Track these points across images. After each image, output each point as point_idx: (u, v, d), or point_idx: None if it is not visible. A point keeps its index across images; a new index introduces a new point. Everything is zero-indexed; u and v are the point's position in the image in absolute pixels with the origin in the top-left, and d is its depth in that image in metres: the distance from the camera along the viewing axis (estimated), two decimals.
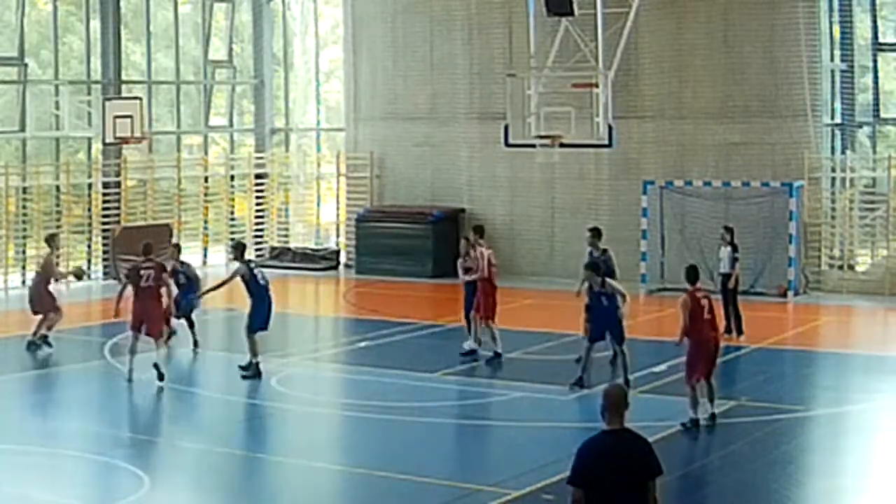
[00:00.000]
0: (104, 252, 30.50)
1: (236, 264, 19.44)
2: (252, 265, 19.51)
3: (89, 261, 30.58)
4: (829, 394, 18.67)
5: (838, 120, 29.15)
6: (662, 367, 19.12)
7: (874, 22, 28.90)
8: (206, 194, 33.47)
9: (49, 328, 20.99)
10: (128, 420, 17.14)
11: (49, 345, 20.89)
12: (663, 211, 28.74)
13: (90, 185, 30.69)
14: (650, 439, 8.52)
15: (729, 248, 22.79)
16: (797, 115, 28.06)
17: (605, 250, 20.49)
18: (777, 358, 21.29)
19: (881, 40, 28.95)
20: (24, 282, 28.89)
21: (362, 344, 22.13)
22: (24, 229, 29.54)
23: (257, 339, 19.03)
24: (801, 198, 27.73)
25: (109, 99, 29.32)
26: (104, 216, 30.61)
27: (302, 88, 36.47)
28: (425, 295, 28.76)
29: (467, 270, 20.61)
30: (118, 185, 30.96)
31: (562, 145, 25.70)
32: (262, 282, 19.11)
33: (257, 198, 34.48)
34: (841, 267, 28.49)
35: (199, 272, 22.95)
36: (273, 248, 34.14)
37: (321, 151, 36.14)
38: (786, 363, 21.16)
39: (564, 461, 8.56)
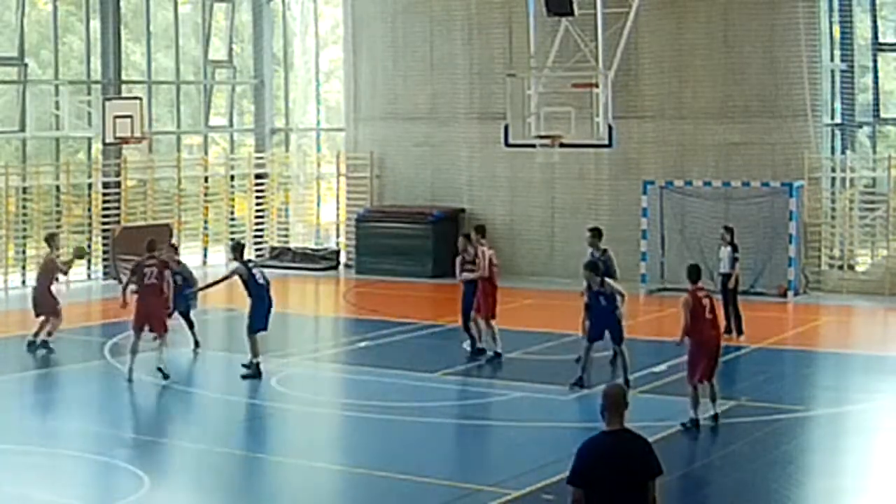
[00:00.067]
0: (104, 252, 30.50)
1: (235, 264, 19.44)
2: (250, 265, 19.49)
3: (89, 261, 30.57)
4: (829, 394, 18.67)
5: (838, 120, 29.15)
6: (662, 367, 19.13)
7: (874, 22, 28.91)
8: (206, 194, 33.48)
9: (49, 334, 20.97)
10: (128, 420, 17.13)
11: (50, 349, 20.85)
12: (663, 211, 28.74)
13: (90, 185, 30.69)
14: (650, 439, 8.52)
15: (729, 248, 22.78)
16: (797, 115, 28.07)
17: (604, 250, 20.48)
18: (777, 358, 21.30)
19: (881, 40, 28.95)
20: (24, 282, 28.93)
21: (362, 344, 22.13)
22: (24, 229, 29.54)
23: (258, 339, 19.02)
24: (801, 198, 27.73)
25: (109, 99, 29.32)
26: (104, 216, 30.61)
27: (302, 88, 36.48)
28: (425, 295, 28.76)
29: (465, 265, 20.56)
30: (118, 185, 30.97)
31: (562, 145, 25.70)
32: (261, 282, 19.09)
33: (257, 198, 34.48)
34: (841, 267, 28.50)
35: (196, 272, 22.96)
36: (273, 248, 34.14)
37: (321, 151, 36.14)
38: (786, 363, 21.17)
39: (564, 461, 8.56)
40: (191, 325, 21.19)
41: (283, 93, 35.84)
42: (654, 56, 29.48)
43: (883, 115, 29.35)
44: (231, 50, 34.97)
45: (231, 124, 35.30)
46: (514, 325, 22.24)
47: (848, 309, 26.52)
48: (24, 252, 29.50)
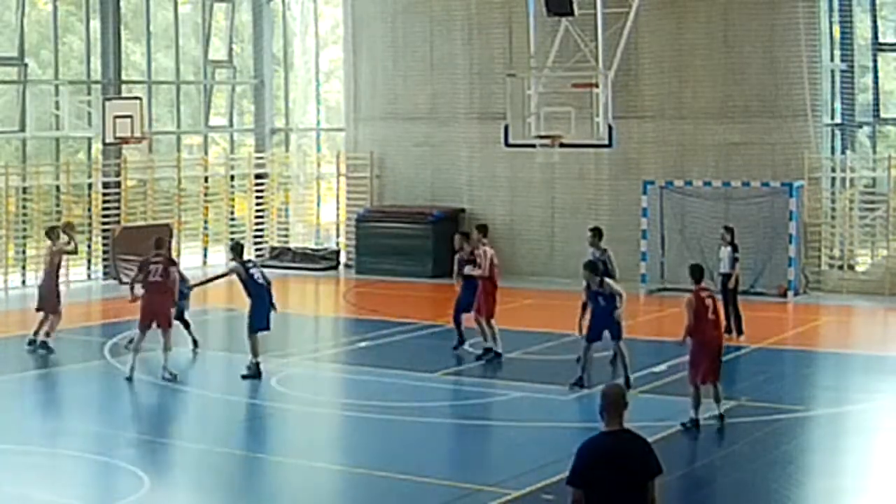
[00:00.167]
0: (104, 252, 30.49)
1: (233, 264, 19.45)
2: (249, 265, 19.47)
3: (89, 261, 30.59)
4: (829, 394, 18.67)
5: (838, 120, 29.15)
6: (662, 367, 19.13)
7: (874, 22, 28.91)
8: (206, 194, 33.47)
9: (48, 334, 20.97)
10: (127, 420, 17.12)
11: (49, 350, 20.84)
12: (663, 211, 28.75)
13: (90, 185, 30.68)
14: (650, 439, 8.52)
15: (729, 248, 22.78)
16: (797, 115, 28.07)
17: (604, 250, 20.51)
18: (777, 358, 21.30)
19: (881, 40, 28.95)
20: (24, 282, 28.94)
21: (362, 344, 22.13)
22: (24, 229, 29.54)
23: (258, 339, 19.02)
24: (801, 198, 27.73)
25: (109, 99, 29.31)
26: (104, 216, 30.60)
27: (302, 88, 36.48)
28: (425, 295, 28.76)
29: (462, 264, 20.54)
30: (118, 185, 30.96)
31: (562, 145, 25.70)
32: (260, 282, 19.07)
33: (257, 198, 34.48)
34: (841, 267, 28.50)
35: (196, 272, 22.97)
36: (273, 248, 34.14)
37: (321, 151, 36.14)
38: (786, 363, 21.17)
39: (564, 461, 8.55)
40: (186, 325, 21.14)
41: (283, 93, 35.83)
42: (654, 56, 29.49)
43: (883, 115, 29.35)
44: (231, 50, 34.97)
45: (231, 124, 35.30)
46: (514, 325, 22.24)
47: (848, 309, 26.52)
48: (24, 252, 29.50)
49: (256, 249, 33.53)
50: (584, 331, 18.41)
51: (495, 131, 28.16)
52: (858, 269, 28.73)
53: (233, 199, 34.26)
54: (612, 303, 17.96)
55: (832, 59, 28.83)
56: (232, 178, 34.18)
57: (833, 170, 28.61)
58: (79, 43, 32.08)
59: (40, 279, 22.01)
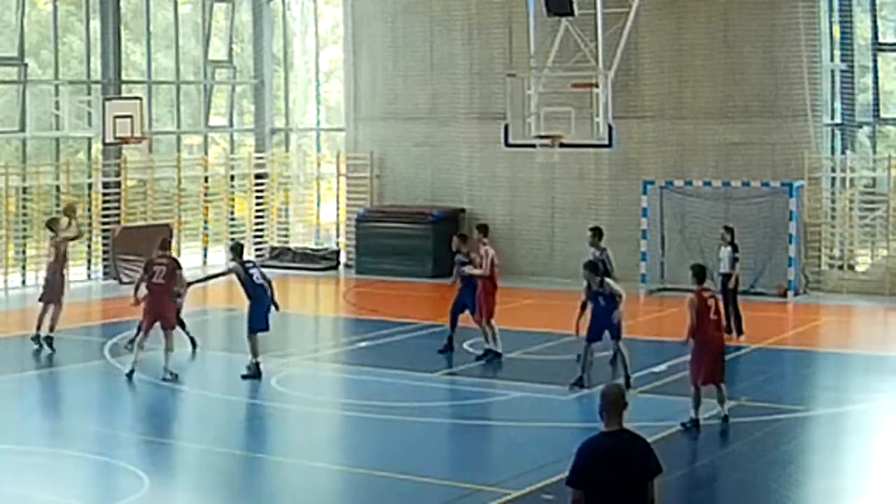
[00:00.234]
0: (104, 252, 30.49)
1: (232, 264, 19.46)
2: (248, 265, 19.46)
3: (89, 261, 30.59)
4: (829, 394, 18.67)
5: (838, 120, 29.15)
6: (662, 367, 19.14)
7: (874, 22, 28.91)
8: (206, 194, 33.47)
9: (52, 327, 20.97)
10: (127, 420, 17.11)
11: (52, 348, 20.85)
12: (663, 211, 28.75)
13: (90, 185, 30.68)
14: (650, 439, 8.53)
15: (729, 248, 22.77)
16: (797, 115, 28.07)
17: (603, 249, 20.53)
18: (777, 358, 21.30)
19: (881, 40, 28.95)
20: (23, 282, 28.94)
21: (362, 344, 22.13)
22: (24, 229, 29.53)
23: (258, 339, 19.02)
24: (801, 198, 27.73)
25: (109, 99, 29.31)
26: (104, 216, 30.60)
27: (302, 88, 36.47)
28: (425, 295, 28.75)
29: (464, 265, 20.53)
30: (118, 185, 30.96)
31: (562, 145, 25.70)
32: (259, 282, 19.06)
33: (257, 198, 34.47)
34: (841, 267, 28.50)
35: (196, 273, 22.96)
36: (273, 248, 34.14)
37: (321, 151, 36.14)
38: (786, 363, 21.17)
39: (564, 461, 8.55)
40: (182, 325, 21.09)
41: (283, 93, 35.83)
42: (654, 56, 29.48)
43: (883, 115, 29.34)
44: (231, 50, 34.97)
45: (231, 124, 35.30)
46: (514, 325, 22.24)
47: (848, 309, 26.52)
48: (24, 252, 29.49)
49: (256, 249, 33.53)
50: (582, 331, 18.40)
51: (495, 131, 28.16)
52: (858, 269, 28.73)
53: (233, 199, 34.26)
54: (613, 303, 17.95)
55: (832, 59, 28.83)
56: (232, 178, 34.18)
57: (833, 170, 28.60)
58: (79, 43, 32.07)
59: (45, 270, 22.00)
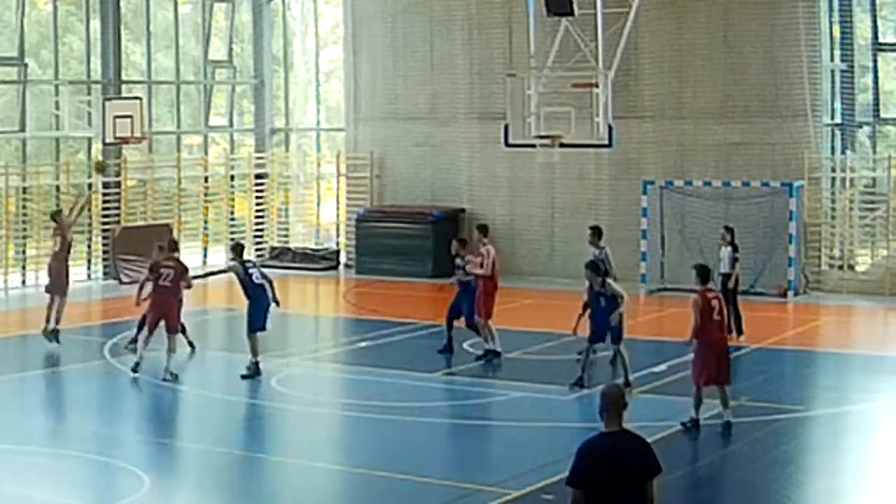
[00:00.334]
0: (104, 252, 30.49)
1: (233, 263, 19.48)
2: (248, 265, 19.46)
3: (89, 261, 30.58)
4: (829, 394, 18.67)
5: (838, 120, 29.15)
6: (662, 367, 19.14)
7: (874, 22, 28.91)
8: (206, 194, 33.47)
9: (57, 320, 21.01)
10: (128, 420, 17.11)
11: (59, 341, 20.89)
12: (663, 211, 28.75)
13: (90, 185, 30.67)
14: (650, 439, 8.53)
15: (729, 248, 22.77)
16: (797, 115, 28.07)
17: (602, 248, 20.53)
18: (777, 358, 21.30)
19: (881, 40, 28.95)
20: (23, 282, 28.95)
21: (362, 344, 22.13)
22: (24, 229, 29.53)
23: (258, 338, 19.02)
24: (801, 198, 27.73)
25: (109, 99, 29.30)
26: (104, 216, 30.61)
27: (302, 88, 36.47)
28: (425, 295, 28.73)
29: (458, 270, 20.51)
30: (118, 185, 30.97)
31: (562, 145, 25.70)
32: (258, 281, 19.07)
33: (257, 198, 34.48)
34: (841, 267, 28.50)
35: (196, 272, 22.91)
36: (273, 248, 34.14)
37: (321, 151, 36.14)
38: (786, 363, 21.17)
39: (564, 461, 8.55)
40: (183, 330, 21.02)
41: (283, 93, 35.83)
42: (654, 56, 29.48)
43: (883, 115, 29.35)
44: (231, 50, 34.97)
45: (231, 124, 35.30)
46: (514, 325, 22.25)
47: (848, 309, 26.52)
48: (24, 252, 29.49)
49: (256, 249, 33.53)
50: (580, 331, 18.41)
51: (495, 131, 28.16)
52: (858, 269, 28.73)
53: (233, 199, 34.26)
54: (614, 304, 17.95)
55: (832, 59, 28.83)
56: (232, 178, 34.18)
57: (833, 170, 28.60)
58: (79, 43, 32.07)
59: (50, 260, 22.04)
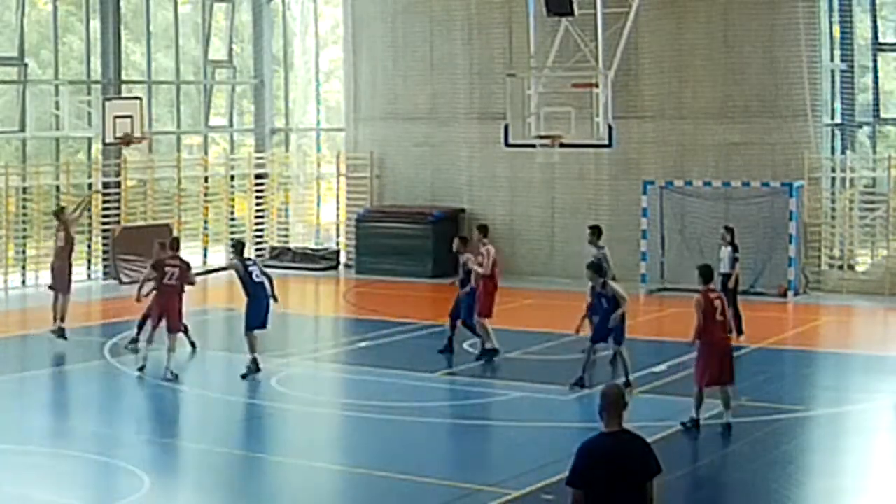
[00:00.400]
0: (104, 252, 30.49)
1: (234, 261, 19.49)
2: (248, 263, 19.47)
3: (89, 261, 30.58)
4: (829, 394, 18.67)
5: (838, 120, 29.15)
6: (662, 367, 19.15)
7: (874, 22, 28.90)
8: (206, 194, 33.47)
9: (62, 318, 21.02)
10: (128, 420, 17.10)
11: (65, 338, 20.90)
12: (663, 211, 28.75)
13: (90, 185, 30.67)
14: (650, 439, 8.53)
15: (729, 249, 22.76)
16: (797, 115, 28.07)
17: (601, 248, 20.53)
18: (777, 358, 21.29)
19: (881, 40, 28.95)
20: (23, 282, 28.95)
21: (362, 344, 22.12)
22: (24, 229, 29.53)
23: (256, 336, 19.02)
24: (801, 198, 27.73)
25: (109, 99, 29.28)
26: (104, 216, 30.60)
27: (302, 88, 36.47)
28: (425, 295, 28.75)
29: (467, 275, 20.49)
30: (118, 185, 30.96)
31: (562, 145, 25.70)
32: (258, 280, 19.08)
33: (257, 198, 34.47)
34: (841, 267, 28.49)
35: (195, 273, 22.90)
36: (273, 248, 34.14)
37: (321, 151, 36.14)
38: (786, 363, 21.16)
39: (564, 461, 8.55)
40: (185, 330, 21.02)
41: (283, 93, 35.83)
42: (654, 56, 29.48)
43: (883, 115, 29.34)
44: (231, 50, 34.97)
45: (231, 124, 35.29)
46: (514, 325, 22.25)
47: (848, 309, 26.52)
48: (24, 252, 29.49)
49: (256, 249, 33.51)
50: (582, 331, 18.42)
51: (495, 131, 28.15)
52: (858, 269, 28.73)
53: (233, 199, 34.26)
54: (616, 304, 17.95)
55: (832, 59, 28.82)
56: (232, 178, 34.18)
57: (833, 170, 28.60)
58: (79, 43, 32.07)
59: (53, 257, 22.08)
